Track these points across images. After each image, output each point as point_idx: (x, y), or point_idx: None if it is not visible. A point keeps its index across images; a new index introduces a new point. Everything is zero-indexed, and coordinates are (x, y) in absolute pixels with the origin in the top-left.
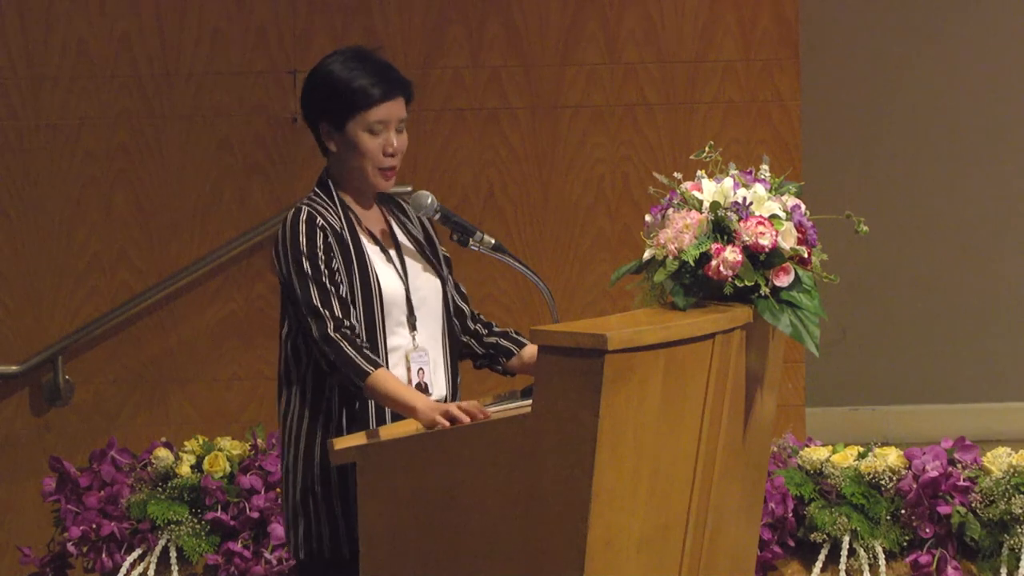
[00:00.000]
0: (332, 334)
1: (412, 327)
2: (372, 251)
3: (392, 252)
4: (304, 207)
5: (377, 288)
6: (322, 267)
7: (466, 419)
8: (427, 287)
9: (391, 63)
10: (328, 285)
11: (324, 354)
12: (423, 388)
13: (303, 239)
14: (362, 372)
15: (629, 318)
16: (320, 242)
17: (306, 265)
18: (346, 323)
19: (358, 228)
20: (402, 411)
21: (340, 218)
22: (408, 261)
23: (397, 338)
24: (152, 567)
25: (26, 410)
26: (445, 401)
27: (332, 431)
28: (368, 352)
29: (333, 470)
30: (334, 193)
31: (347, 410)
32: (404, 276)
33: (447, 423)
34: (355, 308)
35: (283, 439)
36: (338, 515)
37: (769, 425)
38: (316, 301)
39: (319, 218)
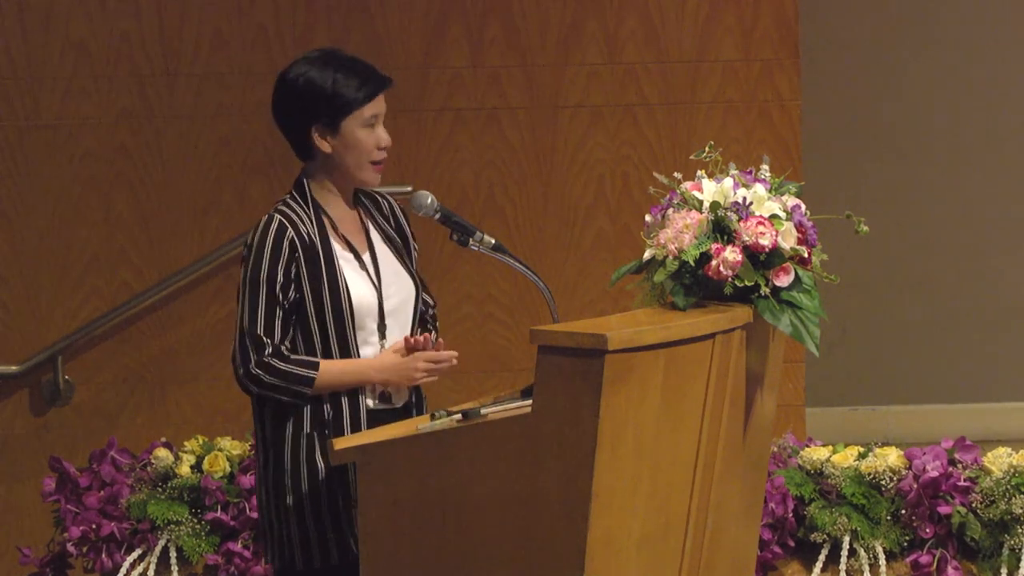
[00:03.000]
0: (267, 359)
1: (382, 335)
2: (344, 259)
3: (366, 258)
4: (276, 215)
5: (347, 300)
6: (278, 291)
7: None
8: (400, 294)
9: (362, 59)
10: (277, 310)
11: (256, 377)
12: (387, 397)
13: (267, 255)
14: (308, 378)
15: (629, 318)
16: (284, 259)
17: (262, 288)
18: (284, 345)
19: (332, 235)
20: (359, 384)
21: (312, 224)
22: (382, 267)
23: (368, 348)
24: (152, 567)
25: (26, 410)
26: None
27: (304, 439)
28: (299, 357)
29: (303, 477)
30: (309, 196)
31: (317, 416)
32: (377, 284)
33: (422, 371)
34: (328, 321)
35: (258, 441)
36: (309, 524)
37: (769, 425)
38: (260, 328)
39: (290, 229)
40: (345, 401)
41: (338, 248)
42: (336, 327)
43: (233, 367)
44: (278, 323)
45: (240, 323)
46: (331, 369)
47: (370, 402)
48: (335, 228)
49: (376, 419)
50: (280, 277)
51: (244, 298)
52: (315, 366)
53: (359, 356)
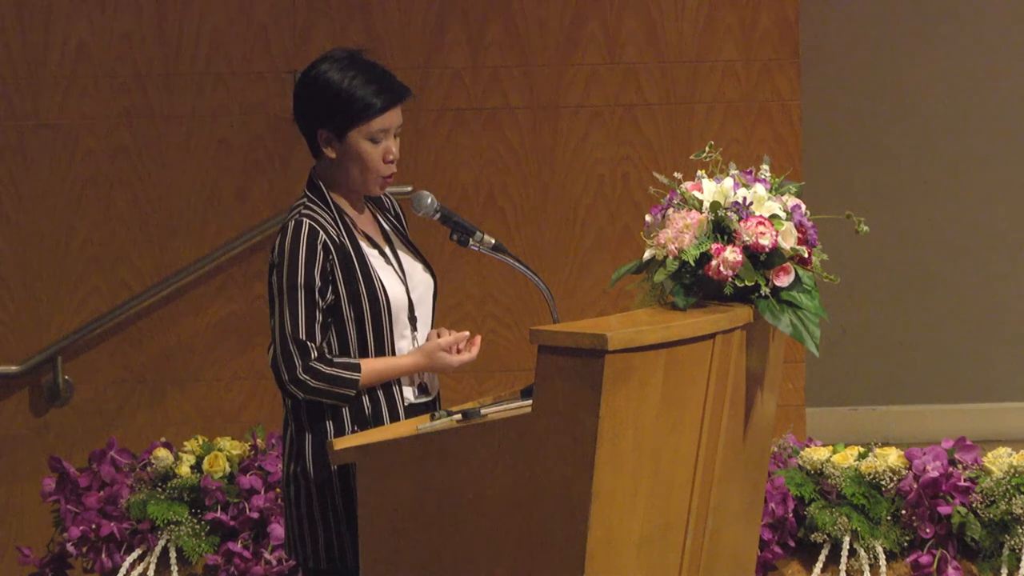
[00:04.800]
0: (314, 364)
1: (413, 327)
2: (372, 257)
3: (388, 253)
4: (304, 220)
5: (384, 296)
6: (317, 296)
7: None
8: (423, 284)
9: (386, 67)
10: (317, 314)
11: (303, 383)
12: (424, 388)
13: (302, 260)
14: (352, 380)
15: (629, 318)
16: (320, 263)
17: (301, 293)
18: (325, 350)
19: (355, 233)
20: (405, 375)
21: (337, 225)
22: (403, 260)
23: (403, 341)
24: (152, 567)
25: (26, 410)
26: (433, 402)
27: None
28: (340, 359)
29: (351, 474)
30: (328, 198)
31: (357, 414)
32: (403, 277)
33: (456, 358)
34: (366, 319)
35: (289, 439)
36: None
37: (769, 425)
38: (303, 333)
39: (321, 233)
40: (382, 396)
41: (364, 246)
42: (374, 324)
43: (276, 373)
44: (318, 327)
45: (281, 329)
46: (371, 369)
47: (410, 396)
48: (355, 226)
49: (414, 412)
50: (318, 281)
51: (283, 304)
52: (357, 368)
53: (395, 351)
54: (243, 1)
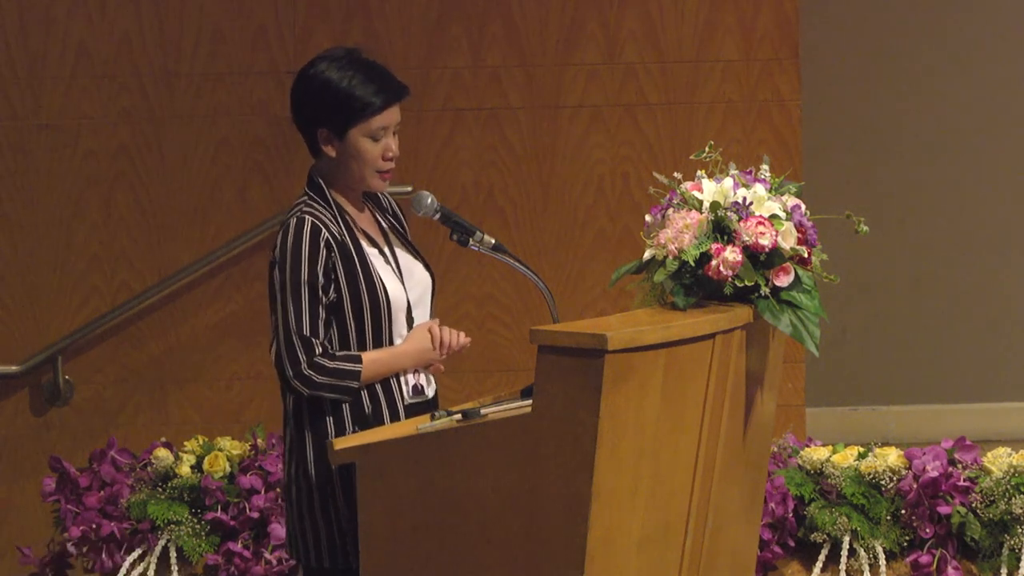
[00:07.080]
0: (318, 360)
1: (410, 327)
2: (372, 255)
3: (387, 252)
4: (307, 217)
5: (384, 295)
6: (320, 292)
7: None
8: (421, 283)
9: (385, 65)
10: (320, 311)
11: (308, 378)
12: (419, 390)
13: (305, 257)
14: (355, 372)
15: (629, 318)
16: (322, 260)
17: (304, 290)
18: (326, 344)
19: (355, 231)
20: (395, 371)
21: (338, 223)
22: (401, 259)
23: (400, 341)
24: (152, 567)
25: (26, 410)
26: (438, 399)
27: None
28: (343, 353)
29: (355, 476)
30: (329, 196)
31: (358, 413)
32: (401, 277)
33: (439, 350)
34: (365, 318)
35: (290, 439)
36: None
37: (769, 425)
38: (307, 330)
39: (323, 230)
40: (382, 395)
41: (364, 244)
42: (373, 323)
43: (280, 370)
44: (321, 323)
45: (285, 326)
46: (371, 358)
47: (406, 395)
48: (355, 225)
49: (412, 412)
50: (320, 278)
51: (286, 301)
52: (359, 359)
53: None
54: (243, 1)
